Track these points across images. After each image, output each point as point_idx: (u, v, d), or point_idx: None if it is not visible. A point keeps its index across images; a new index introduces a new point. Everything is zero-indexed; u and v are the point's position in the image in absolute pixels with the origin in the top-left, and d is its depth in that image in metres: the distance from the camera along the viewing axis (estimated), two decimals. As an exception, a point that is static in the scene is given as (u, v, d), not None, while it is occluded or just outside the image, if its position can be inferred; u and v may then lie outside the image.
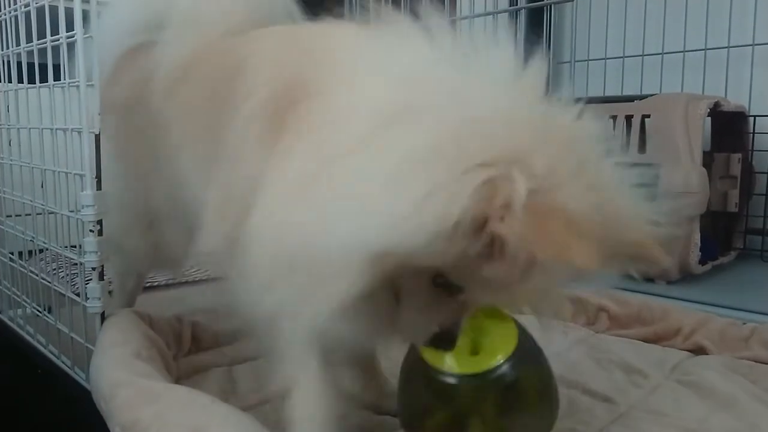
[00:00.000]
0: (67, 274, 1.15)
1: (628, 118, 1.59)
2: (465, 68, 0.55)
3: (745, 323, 1.04)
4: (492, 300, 0.59)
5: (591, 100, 1.77)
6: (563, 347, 1.03)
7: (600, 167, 0.54)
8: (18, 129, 1.09)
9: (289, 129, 0.61)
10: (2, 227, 1.23)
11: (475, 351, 0.63)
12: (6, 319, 1.24)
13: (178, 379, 0.85)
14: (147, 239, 0.92)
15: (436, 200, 0.47)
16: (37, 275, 1.10)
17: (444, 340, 0.59)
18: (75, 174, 0.89)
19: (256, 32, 0.76)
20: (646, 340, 1.07)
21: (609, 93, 2.08)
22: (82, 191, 0.86)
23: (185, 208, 0.78)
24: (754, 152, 1.77)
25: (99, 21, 0.83)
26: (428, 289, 0.56)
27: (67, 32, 0.88)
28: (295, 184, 0.58)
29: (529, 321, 0.66)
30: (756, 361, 0.95)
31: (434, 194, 0.47)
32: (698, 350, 1.02)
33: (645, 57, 2.01)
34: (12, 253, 1.20)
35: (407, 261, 0.51)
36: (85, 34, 0.84)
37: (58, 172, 0.95)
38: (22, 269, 1.15)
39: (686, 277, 1.55)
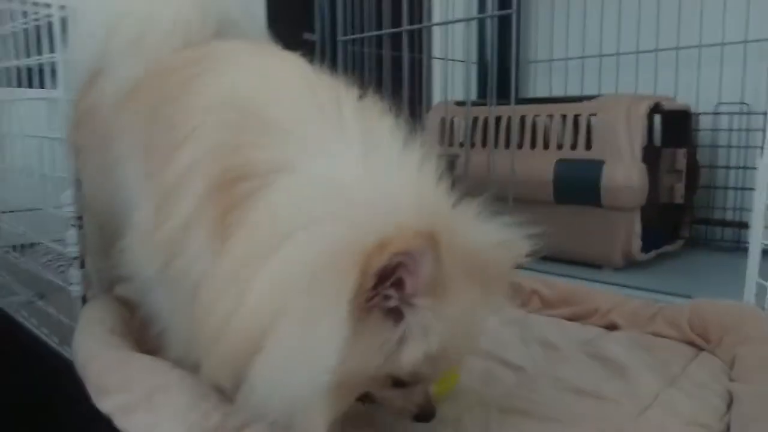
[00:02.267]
0: (59, 265, 1.28)
1: (576, 117, 1.72)
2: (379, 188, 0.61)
3: (656, 302, 1.17)
4: (437, 371, 0.67)
5: (542, 101, 1.93)
6: (494, 325, 1.16)
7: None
8: (9, 136, 1.23)
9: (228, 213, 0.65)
10: (-2, 223, 1.36)
11: None
12: (3, 306, 1.38)
13: (148, 353, 0.97)
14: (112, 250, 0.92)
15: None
16: (28, 265, 1.23)
17: (426, 415, 0.70)
18: (58, 176, 1.02)
19: (205, 54, 0.82)
20: (569, 319, 1.20)
21: (570, 92, 2.21)
22: (64, 191, 1.00)
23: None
24: (699, 147, 1.90)
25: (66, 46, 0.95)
26: (392, 388, 0.66)
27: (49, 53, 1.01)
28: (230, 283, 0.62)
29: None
30: (656, 335, 1.09)
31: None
32: (612, 327, 1.15)
33: (602, 57, 2.14)
34: (12, 247, 1.33)
35: (359, 381, 0.61)
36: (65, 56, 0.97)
37: (44, 174, 1.08)
38: (15, 260, 1.28)
39: (630, 264, 1.69)
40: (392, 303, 0.59)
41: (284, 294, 0.59)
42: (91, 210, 1.01)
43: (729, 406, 0.84)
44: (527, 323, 1.19)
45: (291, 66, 0.78)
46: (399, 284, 0.58)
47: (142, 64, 0.84)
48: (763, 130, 1.09)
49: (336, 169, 0.63)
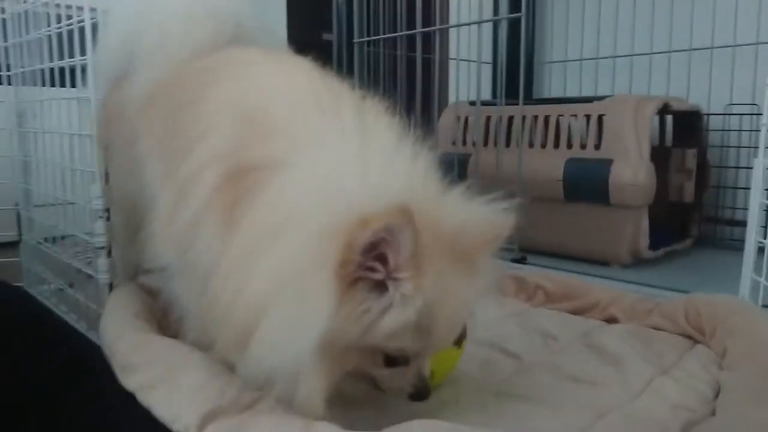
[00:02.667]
0: (87, 256, 1.35)
1: (587, 117, 1.75)
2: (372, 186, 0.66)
3: (655, 298, 1.21)
4: (426, 349, 0.72)
5: (553, 101, 1.98)
6: (498, 317, 1.21)
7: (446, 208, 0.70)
8: (42, 133, 1.30)
9: (234, 202, 0.71)
10: (30, 215, 1.44)
11: None
12: (35, 293, 1.46)
13: (169, 337, 1.04)
14: (136, 240, 0.98)
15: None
16: (59, 255, 1.30)
17: (420, 394, 0.75)
18: (87, 171, 1.09)
19: (211, 66, 0.88)
20: (571, 312, 1.24)
21: (585, 93, 2.24)
22: (93, 185, 1.07)
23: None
24: (709, 147, 1.92)
25: (95, 49, 1.02)
26: (387, 366, 0.72)
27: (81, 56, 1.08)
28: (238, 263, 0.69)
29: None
30: (654, 328, 1.13)
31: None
32: (611, 320, 1.19)
33: (616, 58, 2.17)
34: (44, 239, 1.41)
35: (347, 350, 0.66)
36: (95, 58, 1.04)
37: (74, 169, 1.16)
38: (47, 251, 1.36)
39: (638, 261, 1.72)
40: (378, 276, 0.64)
41: (281, 277, 0.65)
42: (117, 202, 1.08)
43: (717, 393, 0.88)
44: (530, 315, 1.24)
45: (297, 71, 0.84)
46: (383, 258, 0.63)
47: (162, 70, 0.91)
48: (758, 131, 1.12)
49: (332, 165, 0.69)
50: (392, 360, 0.71)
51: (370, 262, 0.63)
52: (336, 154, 0.70)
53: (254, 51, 0.93)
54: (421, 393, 0.75)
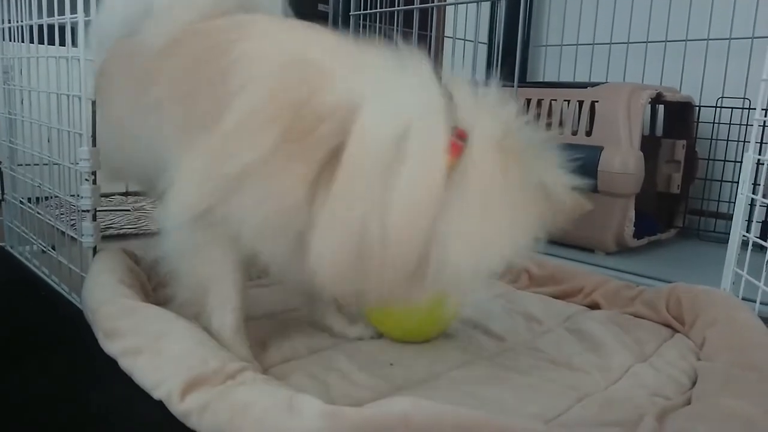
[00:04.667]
0: (71, 219, 1.34)
1: (580, 103, 1.75)
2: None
3: (638, 285, 1.22)
4: None
5: (547, 84, 1.96)
6: (482, 298, 1.22)
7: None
8: (29, 91, 1.28)
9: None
10: (14, 174, 1.42)
11: None
12: (17, 254, 1.44)
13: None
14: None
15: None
16: (42, 216, 1.29)
17: None
18: (75, 132, 1.07)
19: (240, 22, 0.88)
20: (555, 297, 1.25)
21: (579, 78, 2.24)
22: (81, 147, 1.05)
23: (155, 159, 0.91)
24: (699, 139, 1.93)
25: (99, 10, 1.01)
26: None
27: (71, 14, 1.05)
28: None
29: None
30: (635, 316, 1.14)
31: None
32: (594, 306, 1.20)
33: (612, 45, 2.16)
34: (28, 199, 1.39)
35: None
36: (85, 16, 1.01)
37: (61, 130, 1.14)
38: (31, 211, 1.34)
39: (623, 249, 1.73)
40: None
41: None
42: (110, 158, 1.07)
43: (694, 383, 0.89)
44: (514, 298, 1.24)
45: (318, 30, 0.85)
46: None
47: (187, 17, 0.90)
48: (751, 125, 1.12)
49: (406, 98, 0.73)
50: None
51: None
52: (404, 89, 0.74)
53: (269, 16, 0.93)
54: None
